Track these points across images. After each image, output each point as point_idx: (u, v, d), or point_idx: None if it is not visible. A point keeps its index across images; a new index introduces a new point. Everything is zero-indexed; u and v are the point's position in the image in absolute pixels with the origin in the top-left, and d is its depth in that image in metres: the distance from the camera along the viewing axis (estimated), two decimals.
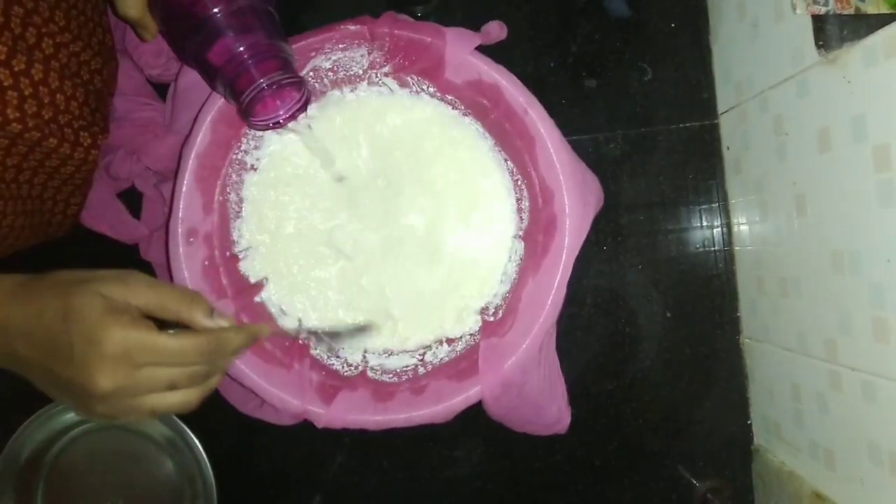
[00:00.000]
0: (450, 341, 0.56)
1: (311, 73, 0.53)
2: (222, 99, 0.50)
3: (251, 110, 0.47)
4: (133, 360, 0.36)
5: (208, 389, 0.41)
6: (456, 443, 0.63)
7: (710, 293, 0.62)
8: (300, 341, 0.55)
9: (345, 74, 0.54)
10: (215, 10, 0.44)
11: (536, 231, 0.53)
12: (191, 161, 0.51)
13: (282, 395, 0.51)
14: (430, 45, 0.51)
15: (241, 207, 0.56)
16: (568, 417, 0.56)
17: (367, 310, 0.57)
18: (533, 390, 0.52)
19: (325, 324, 0.56)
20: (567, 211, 0.50)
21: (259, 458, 0.64)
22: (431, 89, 0.55)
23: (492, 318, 0.55)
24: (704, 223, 0.62)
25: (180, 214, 0.51)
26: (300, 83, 0.48)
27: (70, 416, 0.60)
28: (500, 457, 0.63)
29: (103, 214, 0.59)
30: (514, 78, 0.51)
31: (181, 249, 0.51)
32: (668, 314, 0.62)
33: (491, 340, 0.53)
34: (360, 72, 0.54)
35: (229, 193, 0.55)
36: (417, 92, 0.55)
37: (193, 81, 0.53)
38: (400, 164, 0.57)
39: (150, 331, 0.37)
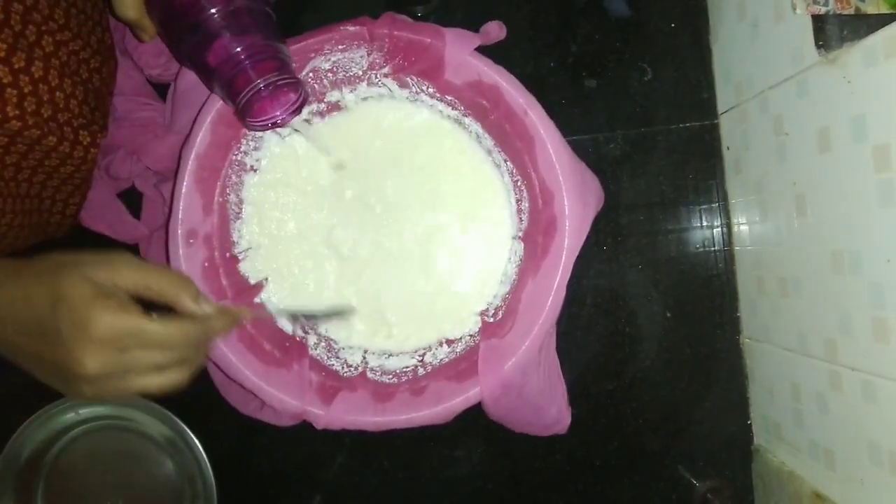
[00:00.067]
0: (449, 342, 0.56)
1: (310, 74, 0.53)
2: (222, 100, 0.50)
3: (248, 111, 0.48)
4: (120, 345, 0.37)
5: (195, 368, 0.42)
6: (456, 443, 0.63)
7: (710, 293, 0.62)
8: (295, 336, 0.55)
9: (344, 75, 0.54)
10: (212, 10, 0.44)
11: (536, 232, 0.53)
12: (190, 162, 0.51)
13: (281, 396, 0.51)
14: (429, 45, 0.51)
15: (240, 208, 0.56)
16: (568, 418, 0.56)
17: (365, 312, 0.57)
18: (533, 391, 0.52)
19: (300, 305, 0.56)
20: (567, 212, 0.50)
21: (259, 458, 0.64)
22: (431, 90, 0.55)
23: (491, 320, 0.55)
24: (704, 223, 0.62)
25: (180, 216, 0.51)
26: (297, 84, 0.48)
27: (70, 416, 0.60)
28: (500, 457, 0.63)
29: (103, 214, 0.59)
30: (514, 79, 0.51)
31: (181, 251, 0.51)
32: (668, 314, 0.62)
33: (491, 341, 0.52)
34: (360, 73, 0.54)
35: (229, 194, 0.55)
36: (417, 93, 0.55)
37: (193, 82, 0.53)
38: (400, 166, 0.57)
39: (137, 316, 0.37)
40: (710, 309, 0.62)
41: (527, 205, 0.55)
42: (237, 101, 0.46)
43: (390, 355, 0.56)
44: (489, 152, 0.56)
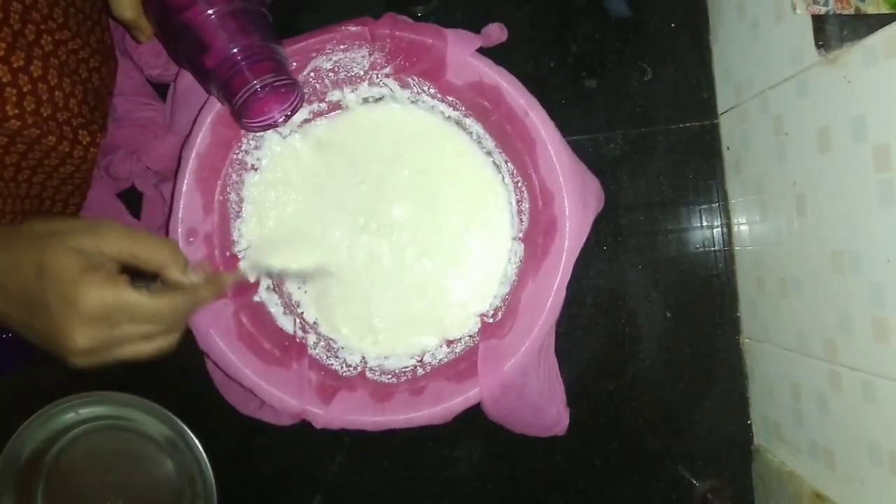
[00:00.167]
0: (449, 343, 0.56)
1: (311, 74, 0.53)
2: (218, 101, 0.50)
3: (244, 112, 0.48)
4: (110, 320, 0.37)
5: (181, 332, 0.42)
6: (456, 443, 0.63)
7: (710, 293, 0.62)
8: (294, 335, 0.55)
9: (346, 75, 0.54)
10: (209, 11, 0.44)
11: (536, 233, 0.53)
12: (191, 161, 0.51)
13: (280, 395, 0.51)
14: (431, 46, 0.51)
15: (241, 207, 0.56)
16: (567, 419, 0.56)
17: (349, 315, 0.57)
18: (532, 392, 0.52)
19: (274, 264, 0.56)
20: (567, 213, 0.50)
21: (259, 458, 0.64)
22: (432, 91, 0.55)
23: (491, 320, 0.55)
24: (704, 223, 0.62)
25: (180, 214, 0.51)
26: (293, 85, 0.48)
27: (70, 416, 0.60)
28: (500, 457, 0.63)
29: (103, 214, 0.59)
30: (515, 80, 0.51)
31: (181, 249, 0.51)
32: (668, 314, 0.62)
33: (490, 342, 0.52)
34: (361, 73, 0.54)
35: (229, 193, 0.55)
36: (418, 93, 0.55)
37: (192, 83, 0.52)
38: (400, 166, 0.57)
39: (125, 290, 0.37)
40: (710, 309, 0.62)
41: (527, 206, 0.55)
42: (234, 101, 0.46)
43: (389, 355, 0.56)
44: (489, 153, 0.56)
